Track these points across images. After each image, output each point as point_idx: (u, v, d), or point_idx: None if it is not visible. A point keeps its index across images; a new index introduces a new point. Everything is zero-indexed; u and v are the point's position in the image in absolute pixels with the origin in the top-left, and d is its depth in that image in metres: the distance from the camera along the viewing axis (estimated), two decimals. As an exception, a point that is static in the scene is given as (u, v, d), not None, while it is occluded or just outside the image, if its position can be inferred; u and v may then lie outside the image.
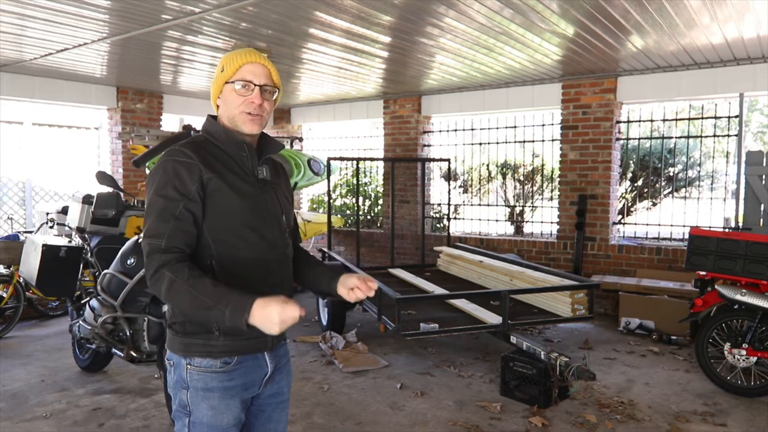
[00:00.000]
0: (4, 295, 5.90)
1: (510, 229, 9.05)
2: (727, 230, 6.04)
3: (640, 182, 8.75)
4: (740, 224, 6.07)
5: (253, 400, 1.82)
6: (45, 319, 6.66)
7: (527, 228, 8.74)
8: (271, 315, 1.47)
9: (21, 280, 5.95)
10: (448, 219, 7.69)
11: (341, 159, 7.14)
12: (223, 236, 1.67)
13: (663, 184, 8.67)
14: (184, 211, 1.61)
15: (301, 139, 9.82)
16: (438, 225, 8.70)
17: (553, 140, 7.43)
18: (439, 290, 5.53)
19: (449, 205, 7.70)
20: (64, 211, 5.85)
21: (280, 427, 1.91)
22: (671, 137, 7.03)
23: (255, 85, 1.71)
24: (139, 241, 3.90)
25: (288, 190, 1.94)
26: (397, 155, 8.43)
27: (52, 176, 7.69)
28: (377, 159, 7.98)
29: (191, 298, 1.53)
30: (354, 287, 1.81)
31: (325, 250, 6.82)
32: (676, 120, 6.86)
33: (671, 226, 6.79)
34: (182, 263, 1.57)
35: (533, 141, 7.70)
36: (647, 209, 8.89)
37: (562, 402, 4.13)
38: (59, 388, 4.48)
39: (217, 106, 1.79)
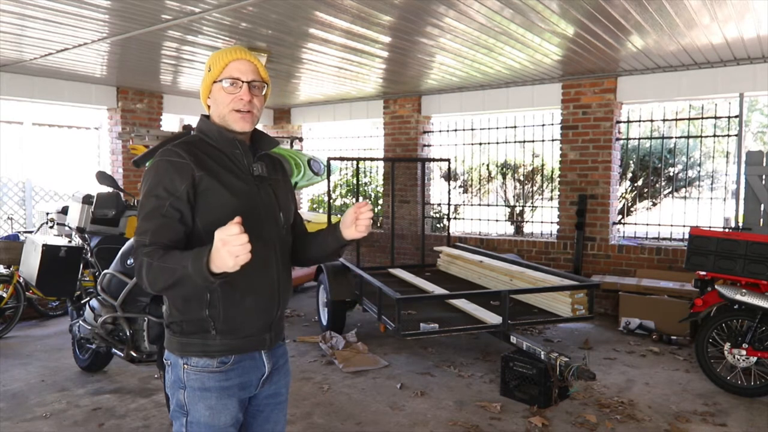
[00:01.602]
0: (4, 295, 5.90)
1: (510, 229, 9.05)
2: (727, 230, 6.04)
3: (640, 182, 8.75)
4: (740, 224, 6.07)
5: (251, 401, 1.82)
6: (45, 319, 6.66)
7: (527, 228, 8.75)
8: (216, 243, 1.37)
9: (21, 280, 5.95)
10: (448, 219, 7.68)
11: (341, 159, 7.13)
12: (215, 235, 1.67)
13: (663, 184, 8.66)
14: (170, 209, 1.61)
15: (301, 139, 9.82)
16: (438, 225, 8.71)
17: (553, 140, 7.43)
18: (439, 290, 5.53)
19: (449, 205, 7.70)
20: (64, 211, 5.85)
21: (279, 428, 1.90)
22: (671, 137, 7.03)
23: (243, 81, 1.71)
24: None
25: (288, 186, 1.94)
26: (397, 155, 8.43)
27: (52, 176, 7.69)
28: (377, 159, 7.98)
29: (161, 271, 1.51)
30: (355, 219, 1.76)
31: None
32: (676, 120, 6.86)
33: (671, 226, 6.79)
34: (160, 249, 1.56)
35: (533, 141, 7.70)
36: (647, 209, 8.89)
37: (562, 402, 4.13)
38: (59, 388, 4.48)
39: (208, 106, 1.80)
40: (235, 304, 1.69)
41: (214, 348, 1.68)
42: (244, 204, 1.71)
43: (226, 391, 1.71)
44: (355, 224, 1.77)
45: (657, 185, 8.82)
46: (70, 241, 4.87)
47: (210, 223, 1.66)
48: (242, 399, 1.76)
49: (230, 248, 1.36)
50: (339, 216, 8.88)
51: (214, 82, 1.73)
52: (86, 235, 4.74)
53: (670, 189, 8.50)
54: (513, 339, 4.43)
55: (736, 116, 6.26)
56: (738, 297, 4.25)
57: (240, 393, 1.74)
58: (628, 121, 7.06)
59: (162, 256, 1.53)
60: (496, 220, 8.29)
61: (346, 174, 9.80)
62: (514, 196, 9.27)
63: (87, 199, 4.93)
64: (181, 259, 1.48)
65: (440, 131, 8.48)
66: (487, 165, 9.19)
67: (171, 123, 8.36)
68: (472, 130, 8.18)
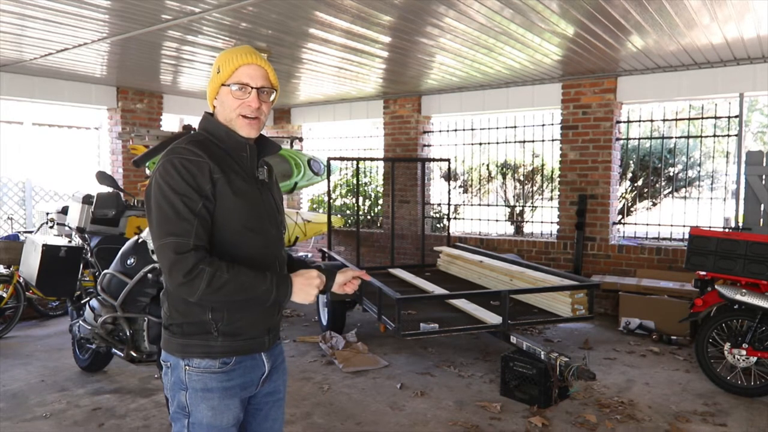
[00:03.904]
0: (4, 295, 5.90)
1: (510, 229, 9.05)
2: (727, 230, 6.04)
3: (640, 182, 8.75)
4: (740, 224, 6.07)
5: (250, 399, 1.83)
6: (45, 319, 6.66)
7: (527, 228, 8.75)
8: (312, 280, 1.67)
9: (21, 280, 5.95)
10: (448, 219, 7.69)
11: (341, 159, 7.15)
12: (224, 237, 1.66)
13: (663, 184, 8.67)
14: (203, 210, 1.60)
15: (301, 139, 9.82)
16: (438, 225, 8.71)
17: (553, 140, 7.43)
18: (439, 290, 5.53)
19: (449, 205, 7.70)
20: (64, 211, 5.85)
21: (277, 425, 1.91)
22: (671, 137, 7.03)
23: (252, 87, 1.68)
24: (140, 241, 3.90)
25: (279, 190, 1.95)
26: (397, 155, 8.43)
27: (52, 176, 7.69)
28: (377, 159, 7.99)
29: (234, 287, 1.56)
30: (347, 283, 1.88)
31: (325, 250, 6.82)
32: (676, 120, 6.87)
33: (671, 226, 6.79)
34: (214, 257, 1.58)
35: (533, 141, 7.70)
36: (647, 209, 8.89)
37: (562, 402, 4.13)
38: (59, 388, 4.48)
39: (214, 107, 1.77)
40: (239, 308, 1.68)
41: (216, 349, 1.68)
42: (250, 207, 1.70)
43: (228, 392, 1.70)
44: (348, 285, 1.88)
45: (657, 185, 8.82)
46: (70, 241, 4.88)
47: (218, 226, 1.65)
48: (243, 399, 1.77)
49: (320, 287, 1.73)
50: (339, 216, 8.88)
51: (223, 84, 1.70)
52: (86, 235, 4.75)
53: (670, 189, 8.50)
54: (513, 339, 4.43)
55: (736, 116, 6.26)
56: (738, 297, 4.25)
57: (242, 393, 1.74)
58: (628, 121, 7.06)
59: (228, 269, 1.56)
60: (496, 220, 8.29)
61: (346, 174, 9.80)
62: (514, 196, 9.27)
63: (87, 199, 4.94)
64: (259, 280, 1.60)
65: (440, 131, 8.48)
66: (487, 165, 9.19)
67: (171, 123, 8.36)
68: (472, 130, 8.18)
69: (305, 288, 1.65)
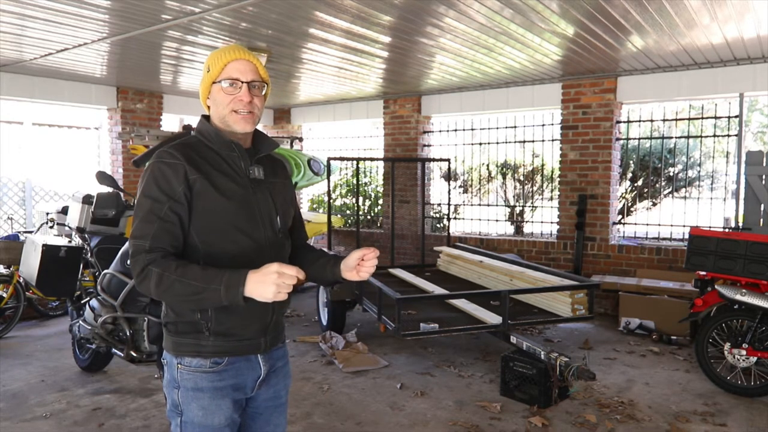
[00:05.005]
0: (4, 295, 5.90)
1: (510, 229, 9.05)
2: (727, 230, 6.04)
3: (640, 182, 8.75)
4: (740, 224, 6.07)
5: (249, 403, 1.81)
6: (45, 319, 6.66)
7: (527, 228, 8.75)
8: (267, 276, 1.44)
9: (21, 280, 5.95)
10: (448, 219, 7.68)
11: (341, 159, 7.14)
12: (210, 238, 1.65)
13: (663, 184, 8.67)
14: (169, 213, 1.60)
15: (301, 139, 9.82)
16: (438, 225, 8.71)
17: (553, 140, 7.43)
18: (439, 290, 5.53)
19: (449, 205, 7.70)
20: (64, 211, 5.85)
21: (279, 430, 1.90)
22: (671, 137, 7.03)
23: (242, 82, 1.69)
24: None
25: (287, 189, 1.90)
26: (397, 155, 8.44)
27: (52, 176, 7.69)
28: (377, 159, 7.98)
29: (182, 286, 1.50)
30: (357, 265, 1.73)
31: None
32: (676, 120, 6.87)
33: (671, 226, 6.79)
34: (167, 258, 1.56)
35: (533, 141, 7.70)
36: (647, 209, 8.89)
37: (562, 402, 4.13)
38: (59, 388, 4.48)
39: (209, 107, 1.77)
40: (227, 308, 1.64)
41: (208, 349, 1.68)
42: (238, 207, 1.68)
43: (219, 392, 1.70)
44: (358, 269, 1.73)
45: (657, 185, 8.82)
46: (70, 241, 4.88)
47: (203, 227, 1.65)
48: (237, 400, 1.75)
49: (283, 281, 1.45)
50: (339, 216, 8.89)
51: (213, 82, 1.71)
52: (86, 235, 4.74)
53: (670, 189, 8.50)
54: (513, 339, 4.43)
55: (736, 116, 6.26)
56: (738, 297, 4.25)
57: (234, 394, 1.73)
58: (628, 121, 7.06)
59: (177, 268, 1.52)
60: (496, 220, 8.29)
61: (346, 174, 9.80)
62: (514, 196, 9.27)
63: (87, 199, 4.93)
64: (206, 277, 1.50)
65: (440, 131, 8.48)
66: (487, 165, 9.19)
67: (171, 123, 8.36)
68: (472, 130, 8.18)
69: (259, 285, 1.45)
